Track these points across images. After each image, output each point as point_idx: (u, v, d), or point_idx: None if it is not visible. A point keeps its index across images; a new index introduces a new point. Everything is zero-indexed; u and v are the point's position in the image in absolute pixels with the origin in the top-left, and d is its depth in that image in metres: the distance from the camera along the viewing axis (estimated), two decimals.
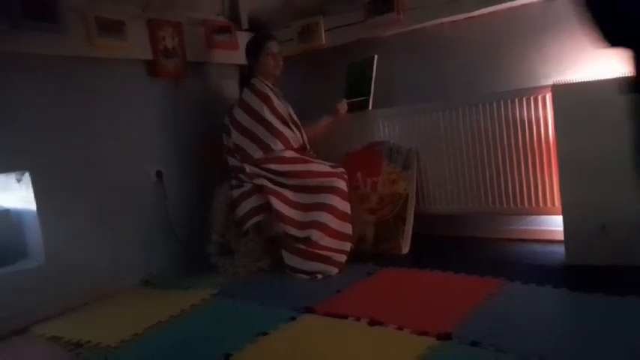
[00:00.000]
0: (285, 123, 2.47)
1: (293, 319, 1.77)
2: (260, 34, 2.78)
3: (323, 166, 2.44)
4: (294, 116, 2.55)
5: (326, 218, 2.31)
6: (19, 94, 2.07)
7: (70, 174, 2.22)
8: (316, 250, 2.27)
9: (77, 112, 2.26)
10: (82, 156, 2.27)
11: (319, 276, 2.24)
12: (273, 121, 2.43)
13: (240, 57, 2.79)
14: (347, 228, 2.37)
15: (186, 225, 2.63)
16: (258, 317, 1.84)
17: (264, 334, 1.66)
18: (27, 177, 2.11)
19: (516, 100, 2.30)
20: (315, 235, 2.27)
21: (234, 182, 2.46)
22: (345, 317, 1.72)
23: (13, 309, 1.98)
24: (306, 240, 2.27)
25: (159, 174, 2.56)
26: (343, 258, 2.33)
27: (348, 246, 2.36)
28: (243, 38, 2.95)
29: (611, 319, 1.49)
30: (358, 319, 1.69)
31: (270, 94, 2.50)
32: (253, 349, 1.57)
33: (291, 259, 2.31)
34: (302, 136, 2.54)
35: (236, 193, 2.41)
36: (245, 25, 3.06)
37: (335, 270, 2.28)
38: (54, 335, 1.89)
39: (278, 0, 3.06)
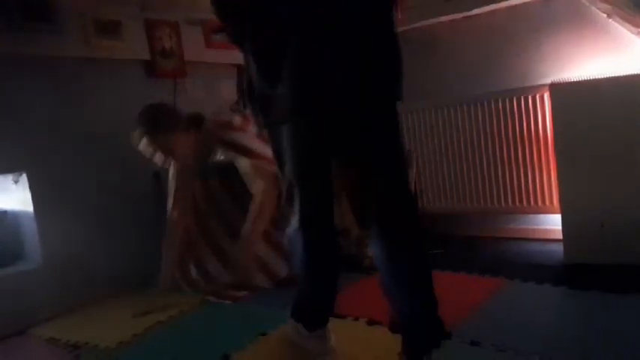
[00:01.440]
0: None
1: None
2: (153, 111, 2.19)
3: None
4: None
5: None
6: (17, 95, 2.06)
7: (67, 175, 2.21)
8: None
9: (75, 113, 2.25)
10: (79, 157, 2.25)
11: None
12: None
13: (238, 56, 2.76)
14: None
15: None
16: (257, 317, 1.84)
17: (264, 334, 1.66)
18: (24, 178, 2.10)
19: (514, 98, 2.30)
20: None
21: None
22: (343, 317, 1.71)
23: (10, 310, 1.97)
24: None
25: (156, 175, 2.55)
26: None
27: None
28: None
29: (610, 318, 1.49)
30: (357, 318, 1.69)
31: None
32: (253, 349, 1.57)
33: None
34: None
35: None
36: None
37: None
38: (52, 337, 1.88)
39: None
